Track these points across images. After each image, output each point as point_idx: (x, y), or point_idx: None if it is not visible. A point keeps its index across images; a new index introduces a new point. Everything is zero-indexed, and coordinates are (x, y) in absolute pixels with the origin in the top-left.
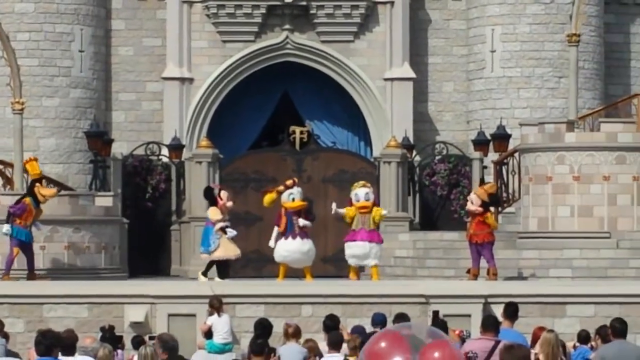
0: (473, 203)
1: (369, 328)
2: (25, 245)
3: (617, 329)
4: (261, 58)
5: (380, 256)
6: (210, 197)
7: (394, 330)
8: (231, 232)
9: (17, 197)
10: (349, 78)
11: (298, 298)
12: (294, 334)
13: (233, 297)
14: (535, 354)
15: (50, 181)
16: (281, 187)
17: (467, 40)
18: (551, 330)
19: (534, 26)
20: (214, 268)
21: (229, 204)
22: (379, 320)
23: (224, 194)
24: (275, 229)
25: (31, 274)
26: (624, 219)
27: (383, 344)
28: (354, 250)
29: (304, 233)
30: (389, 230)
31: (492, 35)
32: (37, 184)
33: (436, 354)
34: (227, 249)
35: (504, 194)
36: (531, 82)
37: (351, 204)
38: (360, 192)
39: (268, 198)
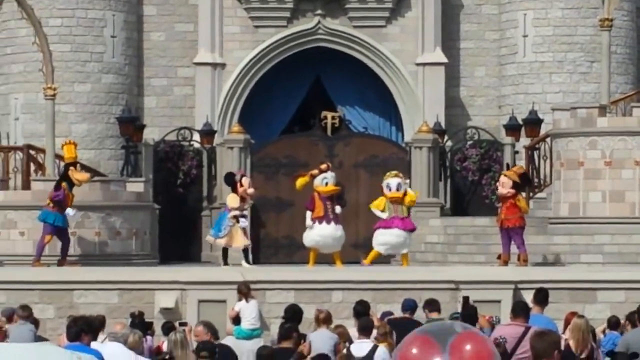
0: (504, 186)
1: (398, 314)
2: (62, 231)
3: None
4: (293, 43)
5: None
6: (231, 183)
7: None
8: (243, 222)
9: (48, 182)
10: (381, 63)
11: (328, 284)
12: (324, 319)
13: (263, 283)
14: (566, 339)
15: (82, 167)
16: (315, 171)
17: (499, 25)
18: (581, 316)
19: (566, 11)
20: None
21: (250, 190)
22: (409, 306)
23: (245, 180)
24: (309, 213)
25: (63, 260)
26: None
27: (414, 351)
28: (388, 238)
29: (337, 218)
30: (420, 215)
31: (524, 19)
32: (71, 168)
33: (467, 347)
34: (233, 239)
35: (536, 179)
36: (563, 67)
37: (383, 193)
38: (393, 182)
39: (301, 181)
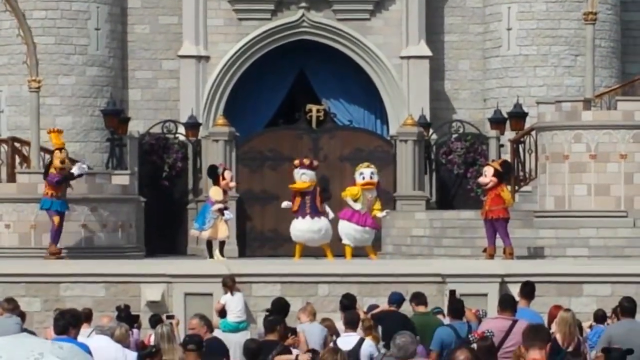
0: (486, 175)
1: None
2: (62, 216)
3: (626, 308)
4: (277, 36)
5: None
6: (214, 176)
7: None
8: (228, 215)
9: (33, 175)
10: (365, 56)
11: (315, 277)
12: (311, 313)
13: (249, 276)
14: (552, 332)
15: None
16: (297, 161)
17: (484, 18)
18: (568, 310)
19: (550, 4)
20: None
21: (232, 184)
22: (396, 300)
23: (227, 173)
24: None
25: (52, 245)
26: None
27: None
28: (357, 234)
29: (317, 213)
30: (406, 209)
31: (508, 13)
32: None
33: None
34: (217, 231)
35: (521, 173)
36: (547, 61)
37: (355, 184)
38: (366, 172)
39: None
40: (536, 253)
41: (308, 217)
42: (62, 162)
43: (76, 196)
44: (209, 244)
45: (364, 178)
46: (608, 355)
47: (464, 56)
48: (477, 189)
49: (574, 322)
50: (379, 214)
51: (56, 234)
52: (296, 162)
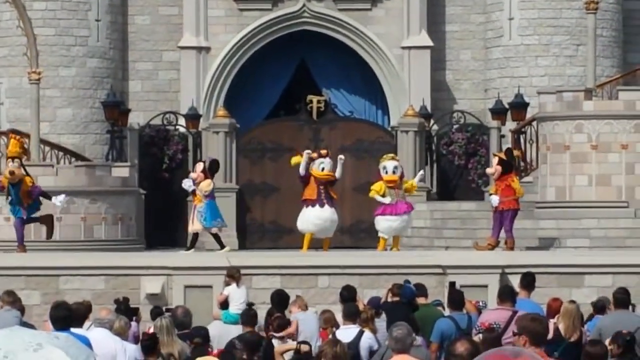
0: (491, 165)
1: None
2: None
3: (619, 299)
4: (278, 27)
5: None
6: (215, 170)
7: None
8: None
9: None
10: (366, 46)
11: (315, 269)
12: (302, 306)
13: (249, 268)
14: (554, 323)
15: (67, 152)
16: (314, 154)
17: (485, 7)
18: (573, 301)
19: None
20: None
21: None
22: (409, 293)
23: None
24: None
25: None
26: None
27: None
28: (393, 223)
29: (332, 203)
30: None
31: (509, 2)
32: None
33: None
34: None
35: (522, 163)
36: (549, 50)
37: (379, 176)
38: (389, 165)
39: (295, 159)
40: (537, 244)
41: (327, 206)
42: (11, 173)
43: (76, 188)
44: (196, 236)
45: (387, 172)
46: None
47: (466, 46)
48: (478, 180)
49: (578, 314)
50: (415, 181)
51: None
52: (314, 154)
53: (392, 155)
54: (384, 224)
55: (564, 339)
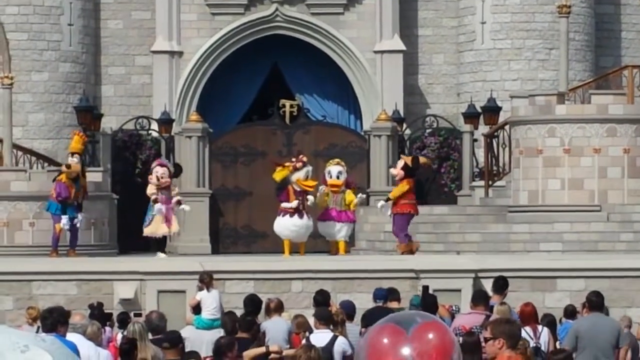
0: (397, 166)
1: (362, 303)
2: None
3: (593, 303)
4: (251, 31)
5: (351, 234)
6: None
7: (388, 323)
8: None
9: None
10: (339, 51)
11: (288, 274)
12: (276, 308)
13: (222, 273)
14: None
15: (39, 157)
16: (298, 164)
17: (457, 11)
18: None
19: None
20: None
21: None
22: (381, 295)
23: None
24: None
25: (71, 250)
26: (615, 192)
27: (385, 340)
28: (323, 228)
29: (304, 209)
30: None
31: (482, 6)
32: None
33: (430, 336)
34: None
35: (495, 167)
36: (521, 54)
37: (324, 181)
38: (333, 170)
39: (281, 174)
40: (510, 248)
41: (305, 216)
42: (67, 167)
43: (48, 193)
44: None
45: (331, 177)
46: None
47: (438, 50)
48: (450, 185)
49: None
50: (355, 202)
51: (56, 239)
52: (297, 164)
53: (337, 160)
54: (319, 228)
55: None
